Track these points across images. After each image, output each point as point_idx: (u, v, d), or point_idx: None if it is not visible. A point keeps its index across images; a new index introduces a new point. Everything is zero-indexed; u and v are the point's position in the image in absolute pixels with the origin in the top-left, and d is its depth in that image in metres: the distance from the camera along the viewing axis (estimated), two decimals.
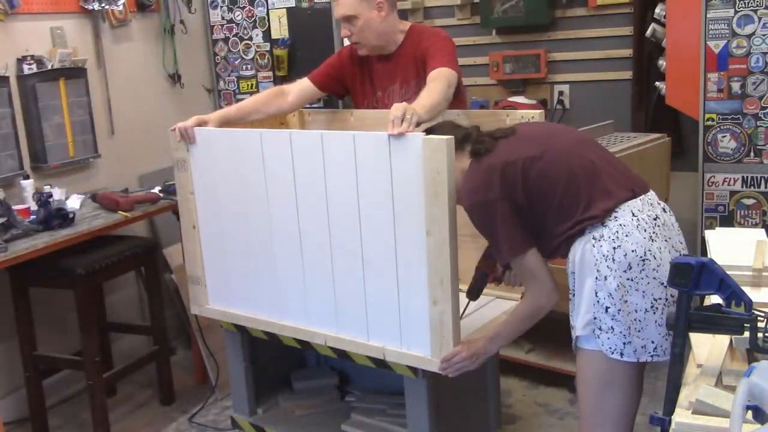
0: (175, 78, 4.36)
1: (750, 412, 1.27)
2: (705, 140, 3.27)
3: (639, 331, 1.87)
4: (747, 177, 3.23)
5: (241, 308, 2.64)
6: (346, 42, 2.90)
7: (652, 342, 1.89)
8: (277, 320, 2.54)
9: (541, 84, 4.05)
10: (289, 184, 2.37)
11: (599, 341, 1.90)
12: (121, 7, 3.92)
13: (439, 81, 2.49)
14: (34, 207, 3.19)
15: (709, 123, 3.25)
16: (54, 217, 3.07)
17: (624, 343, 1.88)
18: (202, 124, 2.60)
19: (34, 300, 3.29)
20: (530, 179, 1.93)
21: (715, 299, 1.63)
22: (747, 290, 1.62)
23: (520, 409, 3.34)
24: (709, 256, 2.01)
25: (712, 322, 1.58)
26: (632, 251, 1.85)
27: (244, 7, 4.43)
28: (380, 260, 2.21)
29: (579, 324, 1.94)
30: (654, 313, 1.87)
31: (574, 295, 1.99)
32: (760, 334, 1.53)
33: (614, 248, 1.86)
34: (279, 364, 2.96)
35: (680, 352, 1.61)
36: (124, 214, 3.27)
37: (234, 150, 2.50)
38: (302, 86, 2.89)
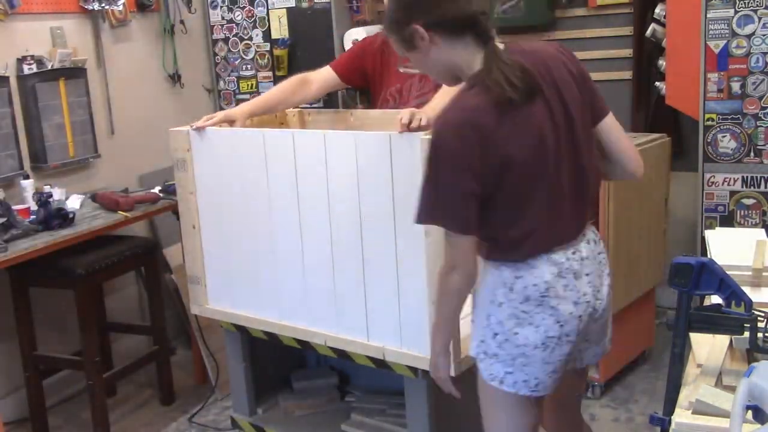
0: (175, 78, 4.36)
1: (750, 412, 1.27)
2: (705, 140, 3.27)
3: (524, 365, 1.77)
4: (747, 177, 3.23)
5: (241, 308, 2.64)
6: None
7: (535, 378, 1.78)
8: (277, 320, 2.54)
9: None
10: (290, 184, 2.38)
11: (483, 365, 1.84)
12: (121, 7, 3.92)
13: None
14: (34, 207, 3.19)
15: (709, 123, 3.25)
16: (54, 217, 3.07)
17: (505, 373, 1.79)
18: (228, 122, 2.57)
19: (34, 300, 3.29)
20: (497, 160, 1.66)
21: (715, 299, 1.63)
22: (747, 290, 1.63)
23: None
24: (709, 256, 2.01)
25: (712, 322, 1.58)
26: (533, 285, 1.74)
27: (244, 7, 4.43)
28: (380, 260, 2.22)
29: (472, 344, 1.87)
30: (544, 350, 1.76)
31: (472, 312, 1.90)
32: (760, 334, 1.53)
33: (516, 278, 1.75)
34: (279, 364, 2.96)
35: (680, 352, 1.62)
36: (124, 214, 3.27)
37: (236, 149, 2.50)
38: (325, 75, 2.89)
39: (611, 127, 1.85)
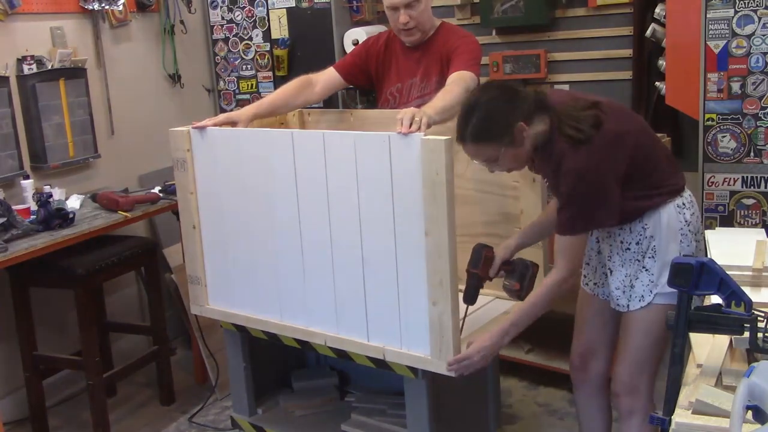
0: (175, 78, 4.36)
1: (750, 412, 1.27)
2: (705, 140, 3.27)
3: None
4: (747, 177, 3.23)
5: (241, 308, 2.64)
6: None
7: None
8: (277, 320, 2.54)
9: (541, 84, 4.04)
10: (290, 184, 2.38)
11: (655, 300, 2.14)
12: (121, 7, 3.93)
13: (457, 84, 2.53)
14: (34, 207, 3.19)
15: (709, 123, 3.25)
16: (54, 217, 3.07)
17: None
18: (230, 123, 2.58)
19: (34, 300, 3.29)
20: (635, 150, 2.07)
21: (715, 299, 1.63)
22: (747, 290, 1.63)
23: (520, 409, 3.34)
24: (709, 256, 2.01)
25: (712, 322, 1.58)
26: (697, 218, 2.20)
27: (244, 7, 4.43)
28: (380, 260, 2.22)
29: (663, 281, 2.07)
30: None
31: (649, 256, 2.15)
32: (760, 334, 1.53)
33: (692, 214, 2.17)
34: (279, 364, 2.96)
35: (680, 352, 1.62)
36: (124, 214, 3.27)
37: (236, 149, 2.50)
38: (328, 76, 2.90)
39: None
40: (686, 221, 2.15)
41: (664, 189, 2.15)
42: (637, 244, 2.16)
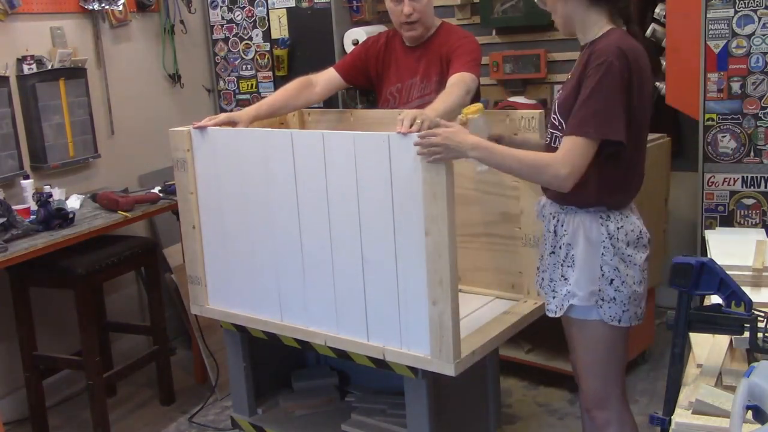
0: (174, 78, 4.36)
1: (750, 412, 1.27)
2: (705, 140, 3.27)
3: (636, 300, 2.06)
4: (747, 177, 3.23)
5: (241, 308, 2.64)
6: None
7: (640, 308, 2.09)
8: (277, 320, 2.54)
9: (541, 84, 4.05)
10: (289, 184, 2.38)
11: (601, 311, 2.06)
12: (121, 7, 3.93)
13: (458, 86, 2.53)
14: (34, 207, 3.19)
15: (709, 123, 3.25)
16: (54, 217, 3.07)
17: (623, 311, 2.05)
18: (231, 124, 2.57)
19: (34, 300, 3.29)
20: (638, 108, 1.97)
21: (715, 299, 1.63)
22: (747, 290, 1.63)
23: (520, 409, 3.34)
24: (709, 256, 2.01)
25: (712, 322, 1.58)
26: (631, 231, 2.04)
27: (244, 7, 4.43)
28: (380, 260, 2.21)
29: (582, 294, 2.05)
30: (644, 283, 2.09)
31: (567, 265, 2.08)
32: (760, 334, 1.53)
33: (618, 228, 2.02)
34: (279, 364, 2.96)
35: (680, 352, 1.62)
36: (124, 214, 3.27)
37: (235, 150, 2.50)
38: (328, 77, 2.89)
39: None
40: (609, 234, 2.02)
41: (614, 198, 2.04)
42: (560, 248, 2.10)
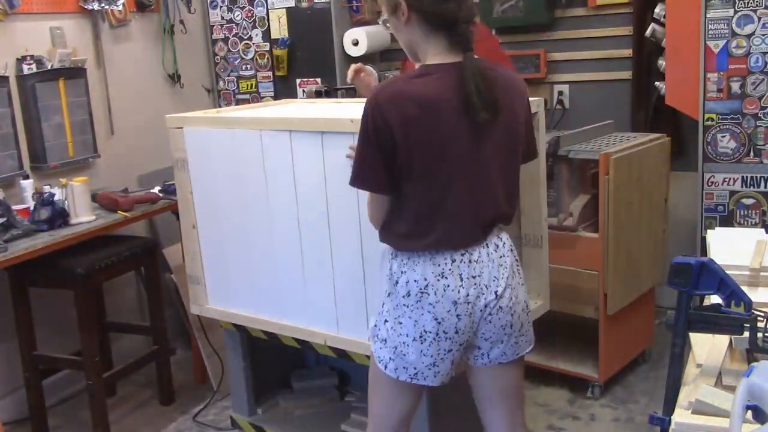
0: (174, 78, 4.36)
1: (750, 412, 1.27)
2: (705, 140, 3.27)
3: (403, 355, 1.90)
4: (747, 177, 3.23)
5: (241, 308, 2.64)
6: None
7: (414, 368, 1.90)
8: (276, 320, 2.54)
9: (540, 84, 4.05)
10: (288, 184, 2.38)
11: (374, 347, 1.98)
12: (120, 7, 3.92)
13: None
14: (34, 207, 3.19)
15: (709, 123, 3.25)
16: (59, 216, 3.07)
17: (389, 358, 1.93)
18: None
19: (34, 300, 3.29)
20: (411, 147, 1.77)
21: (714, 299, 1.63)
22: (746, 290, 1.62)
23: None
24: (709, 256, 2.01)
25: (712, 322, 1.58)
26: (414, 281, 1.86)
27: (244, 7, 4.43)
28: (379, 260, 2.21)
29: (370, 323, 2.01)
30: (421, 343, 1.88)
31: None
32: (759, 334, 1.53)
33: (401, 272, 1.87)
34: (279, 364, 2.96)
35: (680, 352, 1.62)
36: (123, 214, 3.27)
37: (233, 149, 2.50)
38: None
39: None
40: (392, 272, 1.89)
41: (403, 234, 1.86)
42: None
